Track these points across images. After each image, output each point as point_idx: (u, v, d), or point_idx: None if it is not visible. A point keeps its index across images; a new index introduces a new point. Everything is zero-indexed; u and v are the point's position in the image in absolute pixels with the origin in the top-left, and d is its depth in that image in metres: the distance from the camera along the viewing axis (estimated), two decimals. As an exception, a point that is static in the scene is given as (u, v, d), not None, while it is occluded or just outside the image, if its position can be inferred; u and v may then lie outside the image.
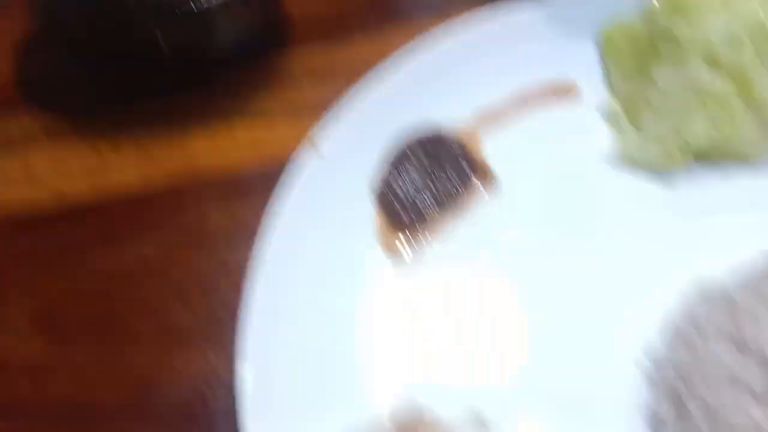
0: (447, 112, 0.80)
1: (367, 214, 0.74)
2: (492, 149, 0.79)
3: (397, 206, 0.74)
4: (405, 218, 0.73)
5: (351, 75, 0.82)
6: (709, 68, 0.71)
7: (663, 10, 0.79)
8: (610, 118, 0.81)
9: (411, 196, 0.74)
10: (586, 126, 0.81)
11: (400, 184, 0.75)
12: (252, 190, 0.76)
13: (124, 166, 0.82)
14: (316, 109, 0.79)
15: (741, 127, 0.71)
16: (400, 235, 0.73)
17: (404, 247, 0.72)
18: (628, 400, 0.63)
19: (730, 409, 0.53)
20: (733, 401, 0.53)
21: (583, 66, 0.84)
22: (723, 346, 0.57)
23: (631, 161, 0.77)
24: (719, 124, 0.71)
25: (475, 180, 0.76)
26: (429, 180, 0.76)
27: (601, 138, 0.79)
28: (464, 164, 0.77)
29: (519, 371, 0.66)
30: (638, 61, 0.78)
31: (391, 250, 0.72)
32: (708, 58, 0.72)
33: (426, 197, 0.75)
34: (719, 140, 0.71)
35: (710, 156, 0.77)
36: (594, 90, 0.82)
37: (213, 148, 0.83)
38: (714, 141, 0.71)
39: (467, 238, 0.73)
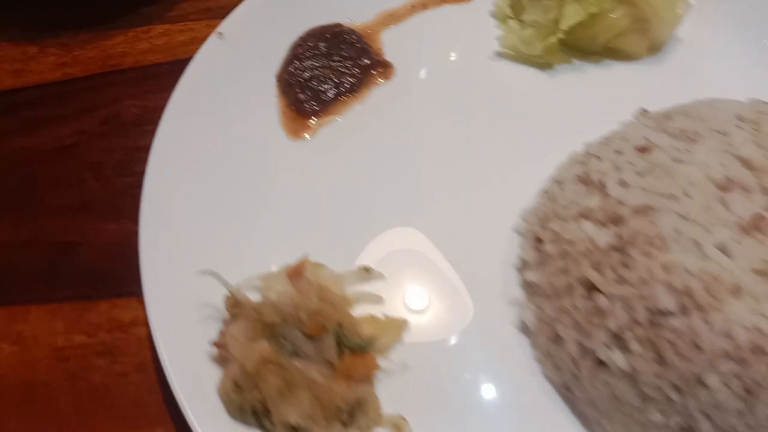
0: (349, 10, 0.87)
1: (270, 98, 0.80)
2: (390, 43, 0.86)
3: (298, 91, 0.80)
4: (305, 102, 0.79)
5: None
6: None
7: None
8: (498, 16, 0.88)
9: (311, 83, 0.80)
10: (478, 24, 0.88)
11: (302, 71, 0.81)
12: (165, 82, 0.80)
13: (47, 63, 0.87)
14: (230, 11, 0.85)
15: (607, 12, 0.79)
16: (300, 117, 0.79)
17: (303, 128, 0.79)
18: (503, 254, 0.71)
19: (572, 232, 0.60)
20: (574, 225, 0.60)
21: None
22: (573, 186, 0.64)
23: (516, 54, 0.84)
24: (585, 6, 0.77)
25: (371, 69, 0.83)
26: (328, 68, 0.82)
27: (490, 34, 0.87)
28: (362, 55, 0.83)
29: (406, 231, 0.72)
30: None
31: (292, 131, 0.79)
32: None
33: (325, 83, 0.80)
34: (587, 22, 0.78)
35: (595, 54, 0.85)
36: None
37: (130, 48, 0.88)
38: (583, 24, 0.78)
39: (362, 120, 0.80)
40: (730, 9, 0.88)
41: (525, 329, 0.67)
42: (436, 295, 0.69)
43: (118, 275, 0.70)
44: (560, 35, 0.81)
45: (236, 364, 0.58)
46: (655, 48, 0.86)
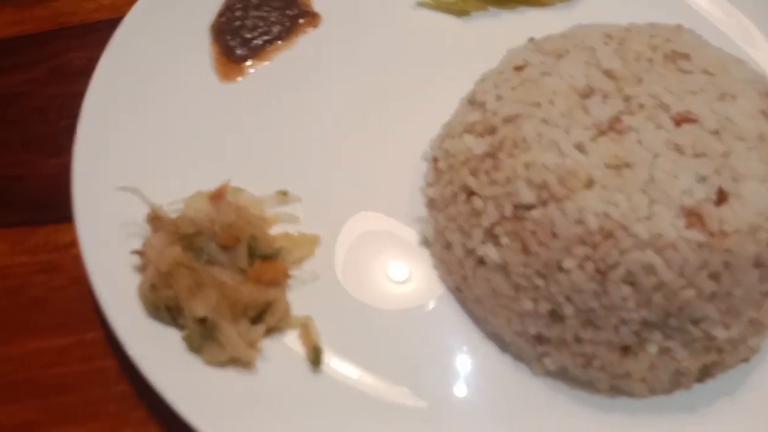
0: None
1: (204, 46, 0.86)
2: (318, -5, 0.93)
3: (229, 38, 0.86)
4: (235, 48, 0.86)
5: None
6: None
7: None
8: (419, -33, 0.94)
9: (241, 31, 0.86)
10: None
11: (233, 21, 0.87)
12: (108, 36, 0.86)
13: (3, 21, 0.94)
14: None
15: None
16: (231, 62, 0.85)
17: (234, 73, 0.85)
18: (412, 180, 0.77)
19: (457, 146, 0.66)
20: (459, 140, 0.66)
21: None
22: (462, 108, 0.70)
23: (434, 3, 0.90)
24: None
25: (298, 18, 0.89)
26: (258, 18, 0.87)
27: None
28: (290, 5, 0.88)
29: (323, 162, 0.78)
30: None
31: (223, 75, 0.85)
32: None
33: (254, 31, 0.86)
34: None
35: (510, 1, 0.91)
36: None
37: (78, 8, 0.95)
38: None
39: (289, 65, 0.86)
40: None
41: (426, 243, 0.73)
42: (349, 217, 0.75)
43: (60, 203, 0.76)
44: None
45: (152, 267, 0.65)
46: (570, -8, 0.93)
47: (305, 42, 0.88)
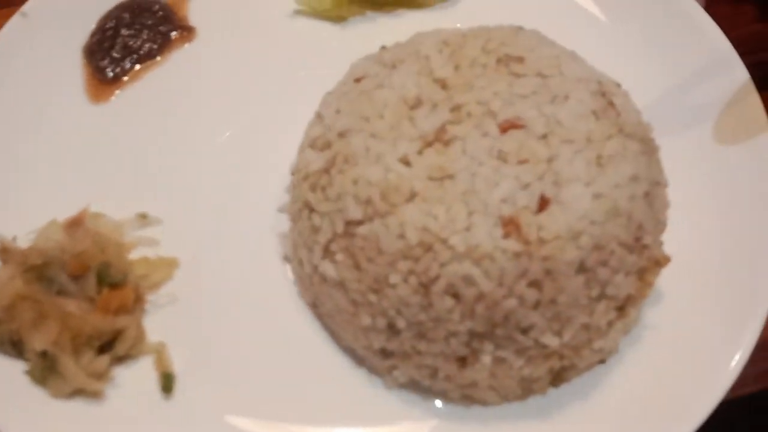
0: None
1: (76, 68, 0.85)
2: (197, 9, 0.90)
3: (99, 59, 0.85)
4: (106, 69, 0.85)
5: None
6: None
7: None
8: (298, -24, 0.93)
9: (113, 51, 0.85)
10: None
11: (104, 41, 0.86)
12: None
13: None
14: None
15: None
16: (102, 84, 0.84)
17: (105, 94, 0.84)
18: (279, 196, 0.76)
19: (301, 161, 0.67)
20: (302, 155, 0.67)
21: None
22: (312, 121, 0.69)
23: (310, 10, 0.89)
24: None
25: (174, 35, 0.88)
26: (129, 36, 0.87)
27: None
28: (163, 22, 0.88)
29: (187, 181, 0.77)
30: None
31: (94, 96, 0.84)
32: None
33: (125, 50, 0.86)
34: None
35: (387, 4, 0.90)
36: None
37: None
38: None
39: (160, 82, 0.85)
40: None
41: (287, 259, 0.73)
42: (212, 237, 0.74)
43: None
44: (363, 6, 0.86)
45: (-4, 302, 0.65)
46: (445, -5, 0.92)
47: (179, 58, 0.87)
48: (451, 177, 0.57)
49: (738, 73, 0.80)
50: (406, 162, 0.58)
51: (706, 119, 0.79)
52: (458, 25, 0.85)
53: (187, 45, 0.88)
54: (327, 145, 0.63)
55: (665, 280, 0.69)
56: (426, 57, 0.63)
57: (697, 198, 0.76)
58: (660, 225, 0.63)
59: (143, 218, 0.74)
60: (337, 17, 0.89)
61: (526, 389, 0.63)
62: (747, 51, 0.90)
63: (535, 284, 0.56)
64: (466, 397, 0.64)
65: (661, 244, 0.66)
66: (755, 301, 0.67)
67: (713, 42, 0.83)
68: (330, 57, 0.87)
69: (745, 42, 0.92)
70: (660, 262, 0.64)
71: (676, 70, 0.83)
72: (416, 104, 0.61)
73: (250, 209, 0.76)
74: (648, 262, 0.61)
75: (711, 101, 0.80)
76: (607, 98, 0.61)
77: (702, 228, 0.74)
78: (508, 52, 0.63)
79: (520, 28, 0.67)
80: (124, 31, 0.87)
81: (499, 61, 0.63)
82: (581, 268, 0.56)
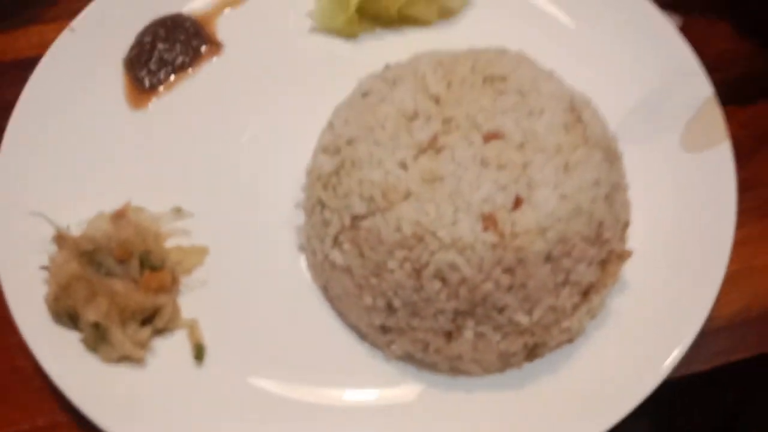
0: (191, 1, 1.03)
1: (118, 78, 0.96)
2: (224, 25, 1.01)
3: (138, 70, 0.96)
4: (144, 79, 0.96)
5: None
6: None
7: None
8: (316, -7, 1.04)
9: (150, 63, 0.97)
10: (303, 3, 1.03)
11: (142, 54, 0.97)
12: (37, 71, 0.99)
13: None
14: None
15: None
16: (141, 92, 0.95)
17: (144, 101, 0.95)
18: (295, 194, 0.87)
19: (314, 164, 0.78)
20: (315, 159, 0.78)
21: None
22: (324, 130, 0.80)
23: (325, 27, 1.00)
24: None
25: (204, 49, 0.99)
26: (165, 50, 0.98)
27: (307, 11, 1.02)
28: (194, 37, 0.99)
29: (216, 180, 0.88)
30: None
31: (134, 103, 0.95)
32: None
33: (161, 62, 0.97)
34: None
35: (393, 22, 1.00)
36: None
37: (10, 46, 1.05)
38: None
39: (192, 92, 0.96)
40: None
41: (302, 248, 0.83)
42: (237, 229, 0.85)
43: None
44: (353, 9, 0.96)
45: (55, 281, 0.76)
46: (446, 13, 1.01)
47: (209, 70, 0.98)
48: (440, 179, 0.68)
49: (704, 88, 0.90)
50: (403, 166, 0.69)
51: (674, 129, 0.89)
52: (455, 40, 0.96)
53: (215, 58, 0.99)
54: (337, 151, 0.74)
55: (630, 271, 0.80)
56: (422, 76, 0.74)
57: (663, 199, 0.85)
58: (620, 223, 0.73)
59: (178, 212, 0.85)
60: (349, 34, 1.00)
61: (505, 362, 0.73)
62: (719, 67, 0.99)
63: (508, 271, 0.66)
64: (453, 368, 0.74)
65: (624, 240, 0.76)
66: (704, 292, 0.77)
67: (684, 59, 0.92)
68: (342, 70, 0.96)
69: (717, 59, 1.01)
70: (622, 255, 0.74)
71: (649, 84, 0.93)
72: (413, 117, 0.72)
73: (270, 204, 0.87)
74: (609, 255, 0.72)
75: (679, 113, 0.90)
76: (576, 113, 0.71)
77: (666, 225, 0.84)
78: (493, 72, 0.73)
79: (504, 51, 0.78)
80: (159, 46, 0.99)
81: (485, 80, 0.73)
82: (548, 257, 0.67)
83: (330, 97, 0.88)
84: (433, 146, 0.69)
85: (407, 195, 0.68)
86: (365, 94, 0.75)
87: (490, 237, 0.65)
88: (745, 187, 0.86)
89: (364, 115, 0.73)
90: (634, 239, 0.80)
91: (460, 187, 0.67)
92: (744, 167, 0.88)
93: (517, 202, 0.66)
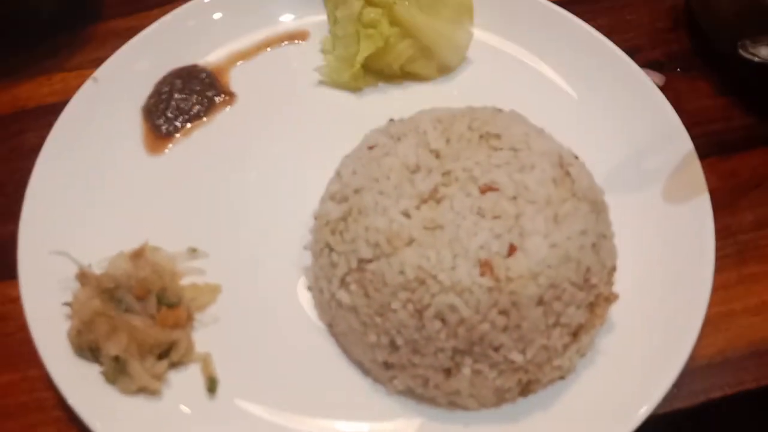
0: (206, 53, 1.10)
1: (136, 125, 1.03)
2: (237, 77, 1.08)
3: (156, 118, 1.03)
4: (161, 126, 1.03)
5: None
6: (364, 3, 1.00)
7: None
8: (323, 51, 1.10)
9: (167, 111, 1.04)
10: (311, 58, 1.10)
11: (160, 103, 1.04)
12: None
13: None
14: (115, 59, 1.09)
15: (394, 44, 1.01)
16: (158, 139, 1.02)
17: (160, 148, 1.01)
18: (304, 236, 0.93)
19: (322, 210, 0.83)
20: (323, 206, 0.84)
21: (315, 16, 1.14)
22: (332, 179, 0.86)
23: (332, 82, 1.07)
24: (374, 41, 1.00)
25: (218, 99, 1.05)
26: (181, 99, 1.05)
27: (317, 66, 1.09)
28: (209, 88, 1.06)
29: (229, 222, 0.95)
30: (333, 3, 1.07)
31: (151, 149, 1.01)
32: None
33: (177, 111, 1.04)
34: (379, 53, 1.00)
35: (396, 77, 1.07)
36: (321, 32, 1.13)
37: (34, 93, 1.12)
38: (376, 55, 1.00)
39: (207, 139, 1.03)
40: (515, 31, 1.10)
41: (310, 288, 0.88)
42: (248, 269, 0.90)
43: (10, 263, 0.91)
44: (359, 66, 1.03)
45: (77, 317, 0.80)
46: (445, 70, 1.09)
47: (222, 118, 1.05)
48: (441, 227, 0.74)
49: (684, 144, 0.97)
50: (406, 214, 0.75)
51: (657, 182, 0.95)
52: (453, 94, 1.06)
53: (228, 108, 1.06)
54: (344, 199, 0.80)
55: (617, 313, 0.86)
56: (424, 132, 0.80)
57: (647, 246, 0.91)
58: (606, 268, 0.79)
59: (193, 251, 0.91)
60: (354, 88, 1.07)
61: (500, 398, 0.78)
62: (699, 122, 1.06)
63: (504, 312, 0.72)
64: (451, 403, 0.79)
65: (611, 284, 0.82)
66: (686, 333, 0.82)
67: (665, 117, 0.99)
68: (348, 121, 1.04)
69: (697, 114, 1.08)
70: (609, 298, 0.80)
71: (633, 139, 0.99)
72: (415, 170, 0.78)
73: (280, 246, 0.92)
74: (597, 298, 0.77)
75: (661, 167, 0.96)
76: (564, 168, 0.78)
77: (650, 271, 0.89)
78: (489, 130, 0.80)
79: (499, 110, 0.85)
80: (176, 95, 1.06)
81: (481, 137, 0.80)
82: (540, 301, 0.72)
83: (335, 145, 0.95)
84: (433, 197, 0.76)
85: (410, 241, 0.73)
86: (371, 147, 0.82)
87: (487, 281, 0.71)
88: (723, 235, 0.93)
89: (370, 167, 0.79)
90: (621, 283, 0.86)
91: (459, 235, 0.72)
92: (722, 216, 0.95)
93: (511, 250, 0.72)
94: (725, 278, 0.92)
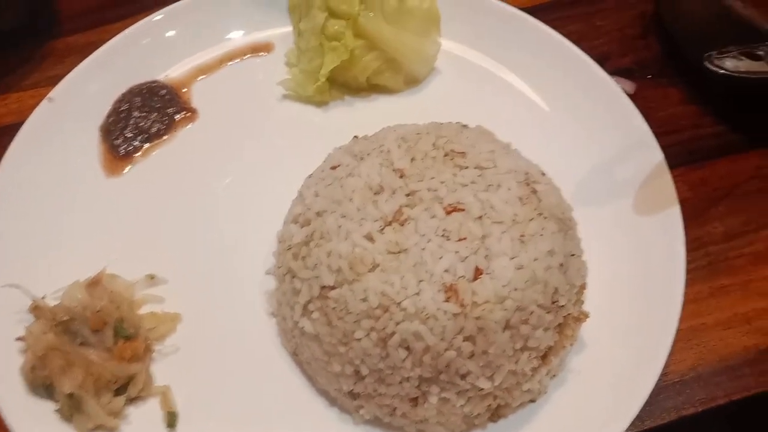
0: (167, 68, 1.07)
1: (94, 145, 1.00)
2: (199, 92, 1.05)
3: (114, 138, 1.00)
4: (119, 147, 0.99)
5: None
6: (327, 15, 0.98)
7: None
8: (288, 64, 1.08)
9: (125, 131, 1.00)
10: (274, 71, 1.08)
11: (118, 122, 1.01)
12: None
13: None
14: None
15: (359, 56, 0.99)
16: (116, 159, 0.98)
17: (119, 169, 0.98)
18: (262, 263, 0.90)
19: (285, 234, 0.81)
20: (286, 228, 0.81)
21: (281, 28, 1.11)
22: (294, 201, 0.84)
23: (296, 95, 1.04)
24: (339, 53, 0.97)
25: (179, 116, 1.02)
26: (141, 117, 1.02)
27: (281, 79, 1.06)
28: (169, 105, 1.03)
29: (189, 246, 0.91)
30: (298, 15, 1.05)
31: (109, 171, 0.98)
32: (324, 7, 0.98)
33: (136, 130, 1.01)
34: (344, 66, 0.98)
35: (362, 90, 1.05)
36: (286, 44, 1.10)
37: (-12, 112, 1.08)
38: (341, 68, 0.98)
39: (167, 158, 0.99)
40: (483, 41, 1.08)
41: (273, 314, 0.86)
42: (209, 296, 0.87)
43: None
44: (323, 79, 1.01)
45: (32, 351, 0.77)
46: (412, 82, 1.07)
47: (183, 136, 1.02)
48: (405, 251, 0.71)
49: (655, 154, 0.95)
50: (369, 238, 0.73)
51: (627, 194, 0.94)
52: (421, 107, 1.04)
53: (190, 125, 1.03)
54: (307, 222, 0.77)
55: (588, 331, 0.84)
56: (388, 150, 0.78)
57: (617, 261, 0.90)
58: (575, 288, 0.77)
59: (151, 278, 0.88)
60: (320, 102, 1.05)
61: (469, 424, 0.76)
62: (670, 130, 1.05)
63: (470, 339, 0.70)
64: (420, 430, 0.77)
65: (581, 302, 0.80)
66: (657, 350, 0.81)
67: (635, 127, 0.98)
68: (313, 136, 1.01)
69: (668, 122, 1.07)
70: (579, 318, 0.78)
71: (603, 151, 0.98)
72: (379, 190, 0.75)
73: (242, 271, 0.89)
74: (566, 319, 0.75)
75: (631, 178, 0.95)
76: (531, 187, 0.76)
77: (621, 286, 0.88)
78: (454, 148, 0.78)
79: (465, 126, 0.83)
80: (135, 113, 1.02)
81: (446, 155, 0.77)
82: (507, 325, 0.70)
83: (301, 162, 0.93)
84: (397, 219, 0.73)
85: (373, 266, 0.71)
86: (334, 168, 0.79)
87: (452, 307, 0.69)
88: (694, 246, 0.92)
89: (333, 189, 0.76)
90: (591, 300, 0.84)
91: (424, 258, 0.70)
92: (693, 227, 0.93)
93: (477, 273, 0.70)
94: (696, 291, 0.90)
